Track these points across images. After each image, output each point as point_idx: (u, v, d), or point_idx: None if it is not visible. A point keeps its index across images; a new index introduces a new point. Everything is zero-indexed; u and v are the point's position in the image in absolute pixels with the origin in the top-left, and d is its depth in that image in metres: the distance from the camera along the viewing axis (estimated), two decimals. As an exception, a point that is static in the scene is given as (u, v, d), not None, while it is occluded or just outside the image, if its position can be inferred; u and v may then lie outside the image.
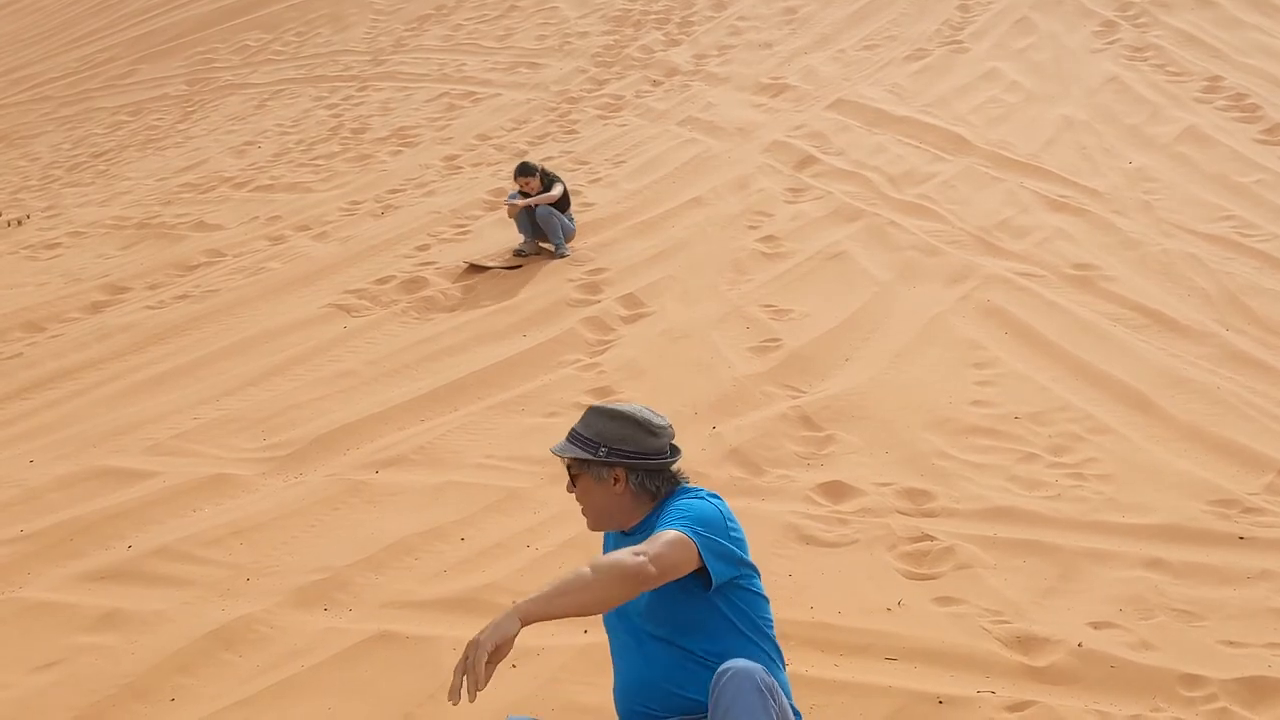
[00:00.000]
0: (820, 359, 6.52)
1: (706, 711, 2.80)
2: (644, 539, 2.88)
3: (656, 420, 3.11)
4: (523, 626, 2.57)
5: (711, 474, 5.26)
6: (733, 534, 2.99)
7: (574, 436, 3.10)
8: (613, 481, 3.05)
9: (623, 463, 3.04)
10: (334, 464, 5.68)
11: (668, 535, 2.82)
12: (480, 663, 2.48)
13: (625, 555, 2.72)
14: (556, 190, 8.83)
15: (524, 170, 8.92)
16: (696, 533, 2.87)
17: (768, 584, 4.27)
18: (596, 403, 3.20)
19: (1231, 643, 3.87)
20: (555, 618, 2.65)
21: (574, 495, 3.14)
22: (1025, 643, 3.92)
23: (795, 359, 6.53)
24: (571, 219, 8.92)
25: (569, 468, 3.12)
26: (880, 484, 5.08)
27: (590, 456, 3.05)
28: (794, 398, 6.05)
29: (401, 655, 4.06)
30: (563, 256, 8.62)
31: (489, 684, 2.50)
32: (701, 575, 2.90)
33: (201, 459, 5.82)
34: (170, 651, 4.12)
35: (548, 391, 6.43)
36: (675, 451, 3.14)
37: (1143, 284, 7.20)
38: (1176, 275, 7.29)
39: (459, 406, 6.31)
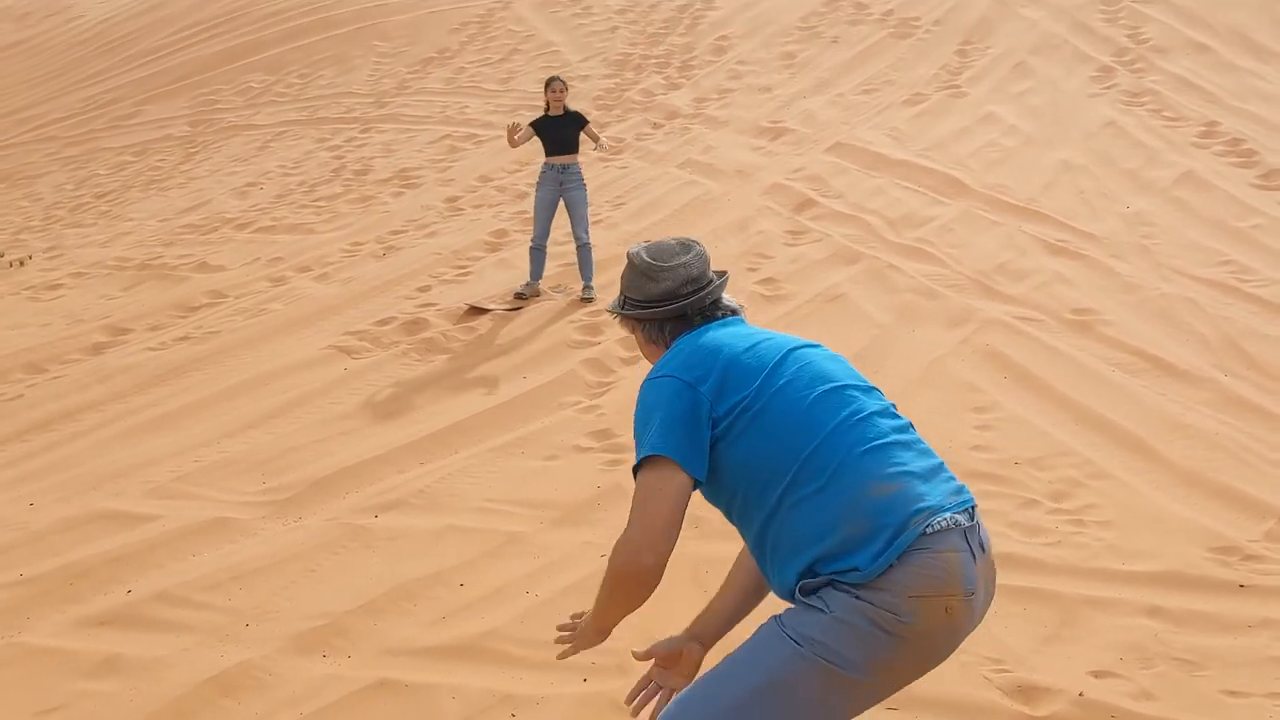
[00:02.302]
0: (820, 403, 6.52)
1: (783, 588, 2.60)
2: None
3: (658, 261, 2.79)
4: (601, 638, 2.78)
5: (710, 517, 5.22)
6: (678, 401, 2.55)
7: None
8: (635, 332, 2.88)
9: (628, 315, 2.84)
10: (334, 507, 5.68)
11: (635, 496, 2.51)
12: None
13: (613, 557, 2.51)
14: (590, 132, 9.14)
15: (551, 81, 9.08)
16: (655, 448, 2.49)
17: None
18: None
19: (1233, 692, 3.86)
20: (603, 625, 2.73)
21: None
22: (1026, 692, 3.91)
23: (795, 403, 6.53)
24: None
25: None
26: (880, 529, 5.08)
27: (612, 311, 2.90)
28: (794, 442, 6.05)
29: (400, 704, 4.04)
30: (588, 300, 8.63)
31: None
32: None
33: (202, 502, 5.82)
34: (170, 699, 4.10)
35: (548, 434, 6.43)
36: (696, 291, 2.77)
37: (1141, 328, 7.23)
38: (1175, 319, 7.32)
39: (459, 449, 6.32)
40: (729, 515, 2.67)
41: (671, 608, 4.49)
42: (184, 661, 4.35)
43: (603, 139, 9.36)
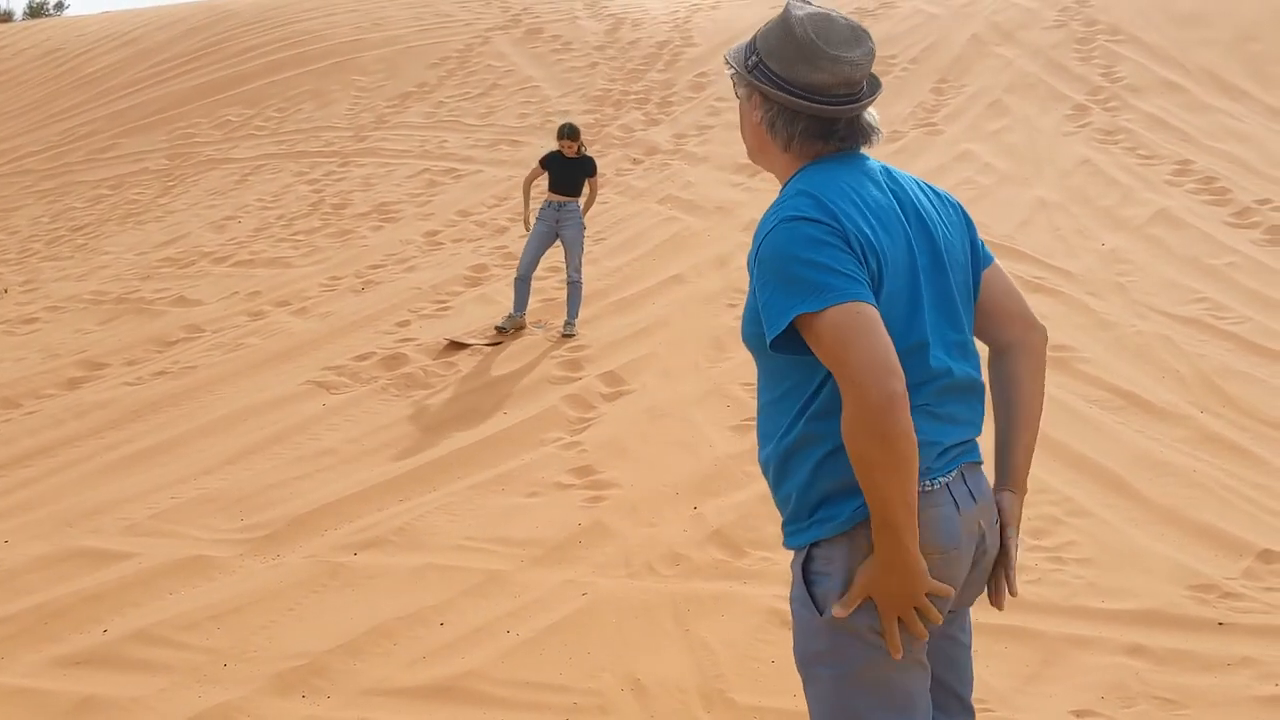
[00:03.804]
0: (800, 439, 6.53)
1: None
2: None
3: (835, 49, 2.25)
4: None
5: (693, 555, 5.25)
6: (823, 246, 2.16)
7: (751, 39, 2.38)
8: (754, 107, 2.35)
9: (757, 85, 2.30)
10: (312, 545, 5.64)
11: (822, 335, 2.10)
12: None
13: (846, 431, 2.11)
14: (594, 192, 9.13)
15: (570, 133, 8.96)
16: (814, 293, 2.11)
17: (751, 671, 4.27)
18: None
19: (1214, 731, 3.87)
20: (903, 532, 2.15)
21: None
22: (1009, 731, 3.91)
23: (775, 439, 6.54)
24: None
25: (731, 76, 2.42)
26: (862, 567, 5.08)
27: (736, 66, 2.35)
28: (775, 479, 6.06)
29: (381, 744, 4.01)
30: (569, 336, 8.61)
31: None
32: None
33: (179, 539, 5.77)
34: (145, 740, 4.05)
35: (529, 470, 6.42)
36: (850, 99, 2.28)
37: (1118, 365, 7.28)
38: (1151, 357, 7.38)
39: (438, 486, 6.29)
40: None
41: (651, 642, 4.48)
42: (162, 702, 4.30)
43: (589, 209, 9.29)
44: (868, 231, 2.20)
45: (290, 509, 6.04)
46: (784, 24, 2.28)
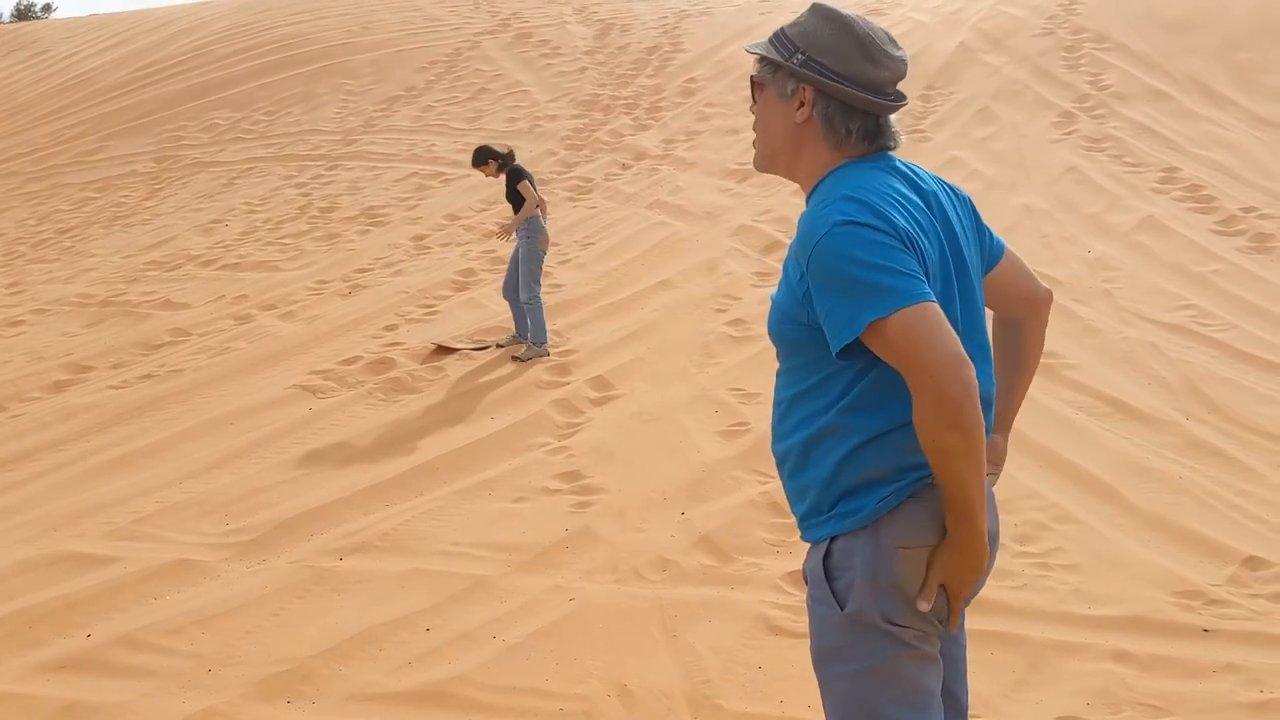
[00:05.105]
0: (788, 445, 6.53)
1: None
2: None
3: (886, 47, 2.30)
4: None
5: (681, 561, 5.25)
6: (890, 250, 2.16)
7: (776, 35, 2.37)
8: (798, 104, 2.32)
9: (816, 79, 2.29)
10: (298, 550, 5.62)
11: (893, 338, 2.10)
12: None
13: (922, 426, 2.11)
14: (529, 202, 8.40)
15: (477, 158, 8.55)
16: (892, 290, 2.10)
17: (738, 677, 4.26)
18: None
19: (1199, 737, 3.88)
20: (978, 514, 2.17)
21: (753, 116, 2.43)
22: (995, 737, 3.91)
23: (764, 443, 6.54)
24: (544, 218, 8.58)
25: (751, 77, 2.40)
26: (848, 573, 5.08)
27: (781, 60, 2.32)
28: (763, 483, 6.06)
29: (366, 750, 3.99)
30: (540, 356, 8.29)
31: None
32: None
33: (164, 544, 5.75)
34: (129, 746, 4.03)
35: (516, 475, 6.40)
36: (901, 95, 2.34)
37: (1104, 372, 7.30)
38: (1137, 363, 7.40)
39: (425, 491, 6.28)
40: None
41: (638, 648, 4.47)
42: (146, 708, 4.27)
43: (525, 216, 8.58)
44: (914, 233, 2.22)
45: (276, 513, 6.02)
46: (838, 21, 2.30)
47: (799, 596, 4.93)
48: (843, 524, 2.29)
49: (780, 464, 2.43)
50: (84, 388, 8.39)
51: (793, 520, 5.58)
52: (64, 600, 5.12)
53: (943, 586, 2.26)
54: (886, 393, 2.23)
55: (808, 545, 2.40)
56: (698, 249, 10.37)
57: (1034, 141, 12.79)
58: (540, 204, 8.52)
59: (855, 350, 2.18)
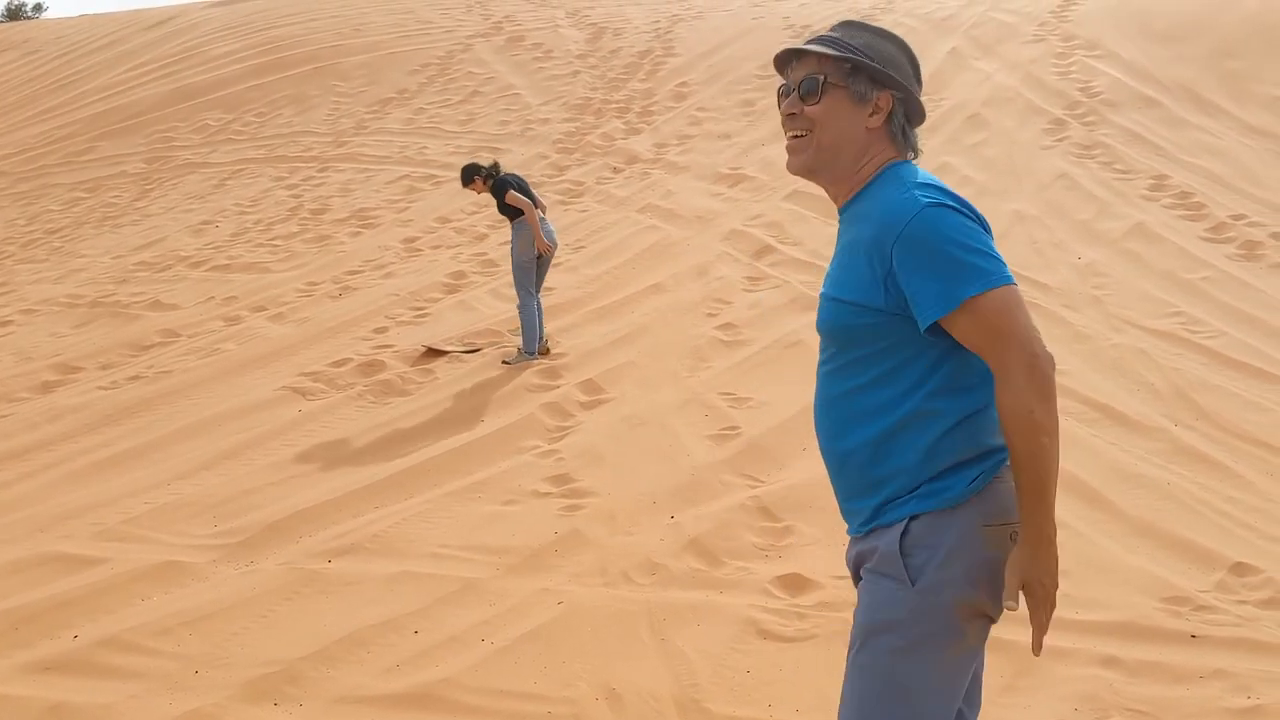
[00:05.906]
0: (779, 448, 6.54)
1: None
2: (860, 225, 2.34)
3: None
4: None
5: (670, 564, 5.24)
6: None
7: (838, 43, 2.39)
8: (872, 110, 2.38)
9: (901, 87, 2.39)
10: (287, 552, 5.60)
11: (987, 313, 2.21)
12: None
13: (1013, 400, 2.19)
14: (526, 210, 8.40)
15: (465, 178, 8.59)
16: (993, 271, 2.24)
17: (726, 681, 4.26)
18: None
19: (1187, 743, 3.88)
20: (1053, 495, 2.25)
21: (793, 116, 2.42)
22: (983, 742, 3.91)
23: (754, 447, 6.55)
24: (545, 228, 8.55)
25: (811, 77, 2.38)
26: (838, 577, 5.08)
27: (868, 61, 2.36)
28: (752, 487, 6.06)
29: (353, 752, 3.98)
30: (526, 359, 8.31)
31: None
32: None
33: (152, 545, 5.73)
34: (115, 747, 4.02)
35: (505, 478, 6.40)
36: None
37: (1094, 378, 7.32)
38: (1126, 370, 7.42)
39: (415, 493, 6.27)
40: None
41: (627, 651, 4.46)
42: (132, 709, 4.26)
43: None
44: (983, 223, 2.34)
45: (265, 515, 6.00)
46: (895, 38, 2.45)
47: (788, 601, 4.93)
48: (926, 503, 2.31)
49: (842, 461, 2.42)
50: (73, 388, 8.36)
51: (783, 524, 5.58)
52: (51, 601, 5.10)
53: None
54: (971, 376, 2.32)
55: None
56: (689, 253, 10.38)
57: (1025, 148, 12.82)
58: (540, 206, 8.56)
59: (935, 332, 2.26)
